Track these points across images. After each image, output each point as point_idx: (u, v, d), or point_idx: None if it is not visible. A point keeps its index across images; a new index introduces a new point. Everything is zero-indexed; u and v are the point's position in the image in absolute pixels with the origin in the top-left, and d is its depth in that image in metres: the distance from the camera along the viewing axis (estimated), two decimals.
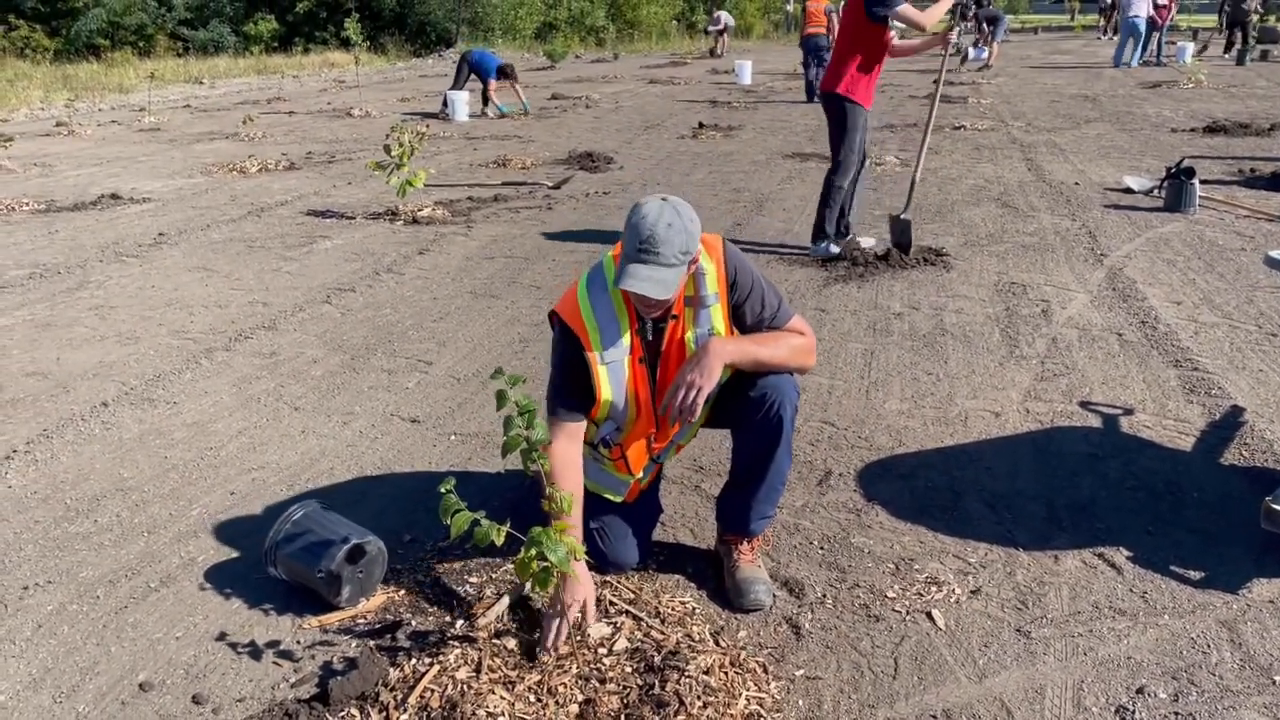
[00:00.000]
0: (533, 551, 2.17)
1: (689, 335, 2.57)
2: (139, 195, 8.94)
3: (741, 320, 2.61)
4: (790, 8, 40.68)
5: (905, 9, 5.70)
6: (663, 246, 2.32)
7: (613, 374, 2.54)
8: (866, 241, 6.43)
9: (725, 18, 30.74)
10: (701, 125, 12.90)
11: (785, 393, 2.58)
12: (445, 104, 14.72)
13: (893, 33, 5.91)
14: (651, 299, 2.38)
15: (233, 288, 5.93)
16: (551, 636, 2.35)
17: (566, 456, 2.53)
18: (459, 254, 6.65)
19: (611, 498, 2.79)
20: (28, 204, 8.51)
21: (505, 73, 14.62)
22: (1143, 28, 19.41)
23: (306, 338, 4.99)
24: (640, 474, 2.79)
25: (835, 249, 6.19)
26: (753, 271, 2.61)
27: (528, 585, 2.53)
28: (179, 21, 34.12)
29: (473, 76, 15.11)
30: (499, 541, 2.16)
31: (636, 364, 2.58)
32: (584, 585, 2.42)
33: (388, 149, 7.54)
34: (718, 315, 2.57)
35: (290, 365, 4.60)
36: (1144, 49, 20.59)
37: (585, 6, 40.22)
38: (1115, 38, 20.78)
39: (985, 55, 20.81)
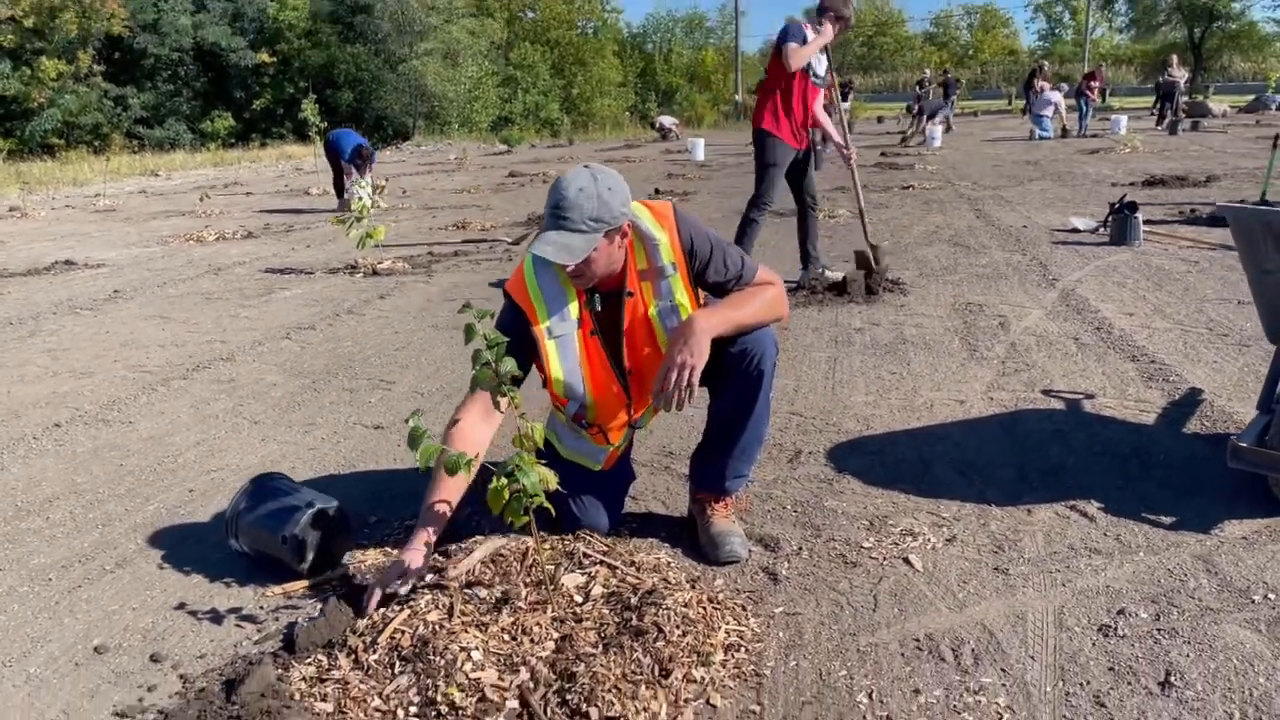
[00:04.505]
0: (503, 480, 2.13)
1: (652, 311, 2.55)
2: (94, 262, 8.87)
3: (705, 284, 2.61)
4: (739, 98, 41.91)
5: (787, 47, 5.89)
6: (571, 211, 2.33)
7: (562, 347, 2.53)
8: (834, 275, 6.49)
9: (667, 121, 31.19)
10: (658, 191, 13.12)
11: (765, 346, 2.56)
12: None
13: (818, 86, 6.14)
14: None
15: (190, 331, 5.86)
16: (373, 604, 2.27)
17: (469, 434, 2.49)
18: (419, 297, 6.64)
19: (590, 466, 2.76)
20: None
21: (361, 155, 12.02)
22: (1045, 120, 20.84)
23: (266, 367, 4.93)
24: (619, 442, 2.77)
25: None
26: (708, 234, 2.59)
27: (490, 547, 2.47)
28: (135, 120, 34.36)
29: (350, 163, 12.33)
30: (468, 475, 2.12)
31: (587, 337, 2.56)
32: (413, 557, 2.34)
33: (348, 204, 7.59)
34: (678, 285, 2.55)
35: (250, 389, 4.53)
36: (1079, 124, 21.54)
37: (540, 100, 41.17)
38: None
39: (939, 134, 21.39)
